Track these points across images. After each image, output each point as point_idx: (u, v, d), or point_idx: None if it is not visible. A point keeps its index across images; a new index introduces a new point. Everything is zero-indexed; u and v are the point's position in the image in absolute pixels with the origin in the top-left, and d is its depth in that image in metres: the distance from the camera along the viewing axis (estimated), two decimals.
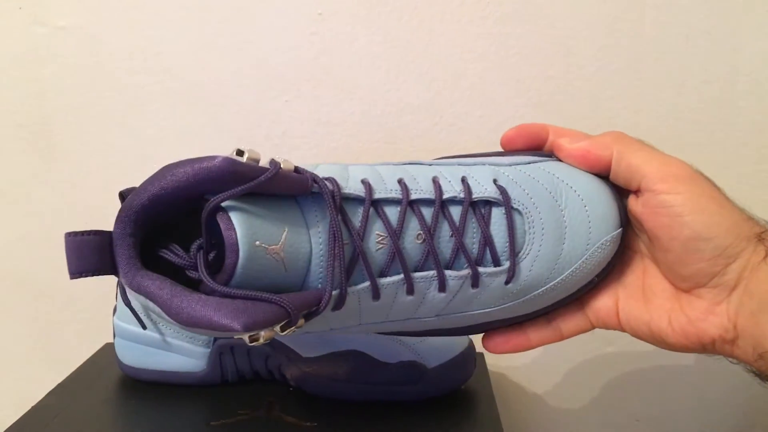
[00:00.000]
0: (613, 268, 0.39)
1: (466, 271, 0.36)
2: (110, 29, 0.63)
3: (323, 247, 0.32)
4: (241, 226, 0.30)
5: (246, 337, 0.29)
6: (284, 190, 0.32)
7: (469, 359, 0.51)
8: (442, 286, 0.35)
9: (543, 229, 0.37)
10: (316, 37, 0.62)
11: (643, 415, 0.68)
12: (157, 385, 0.52)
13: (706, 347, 0.35)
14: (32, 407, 0.48)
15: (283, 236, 0.31)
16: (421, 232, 0.35)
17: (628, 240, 0.39)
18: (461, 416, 0.48)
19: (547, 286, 0.37)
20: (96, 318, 0.68)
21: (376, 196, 0.35)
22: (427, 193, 0.36)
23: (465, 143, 0.63)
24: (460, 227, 0.36)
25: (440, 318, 0.37)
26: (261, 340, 0.29)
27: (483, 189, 0.37)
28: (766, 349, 0.33)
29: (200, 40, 0.63)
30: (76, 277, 0.30)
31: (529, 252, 0.37)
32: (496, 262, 0.36)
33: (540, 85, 0.62)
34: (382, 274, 0.35)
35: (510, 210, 0.36)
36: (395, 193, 0.35)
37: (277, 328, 0.30)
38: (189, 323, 0.28)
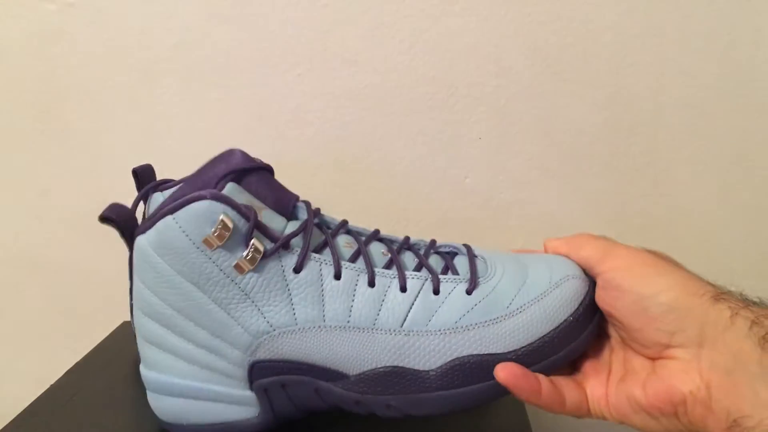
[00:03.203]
0: (587, 325, 0.39)
1: (426, 274, 0.39)
2: (119, 5, 0.62)
3: (296, 226, 0.39)
4: None
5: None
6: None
7: None
8: (403, 286, 0.38)
9: (504, 268, 0.40)
10: (327, 9, 0.61)
11: None
12: None
13: (677, 407, 0.34)
14: (51, 385, 0.49)
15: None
16: (386, 250, 0.40)
17: (607, 331, 0.40)
18: (486, 407, 0.48)
19: (514, 305, 0.38)
20: (113, 296, 0.67)
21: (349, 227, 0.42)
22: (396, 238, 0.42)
23: (480, 114, 0.62)
24: (425, 255, 0.41)
25: (405, 335, 0.38)
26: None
27: (449, 245, 0.42)
28: (743, 414, 0.31)
29: (210, 14, 0.62)
30: None
31: (493, 276, 0.39)
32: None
33: (558, 53, 0.61)
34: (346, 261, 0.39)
35: (473, 256, 0.41)
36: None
37: (231, 223, 0.36)
38: None
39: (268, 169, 0.42)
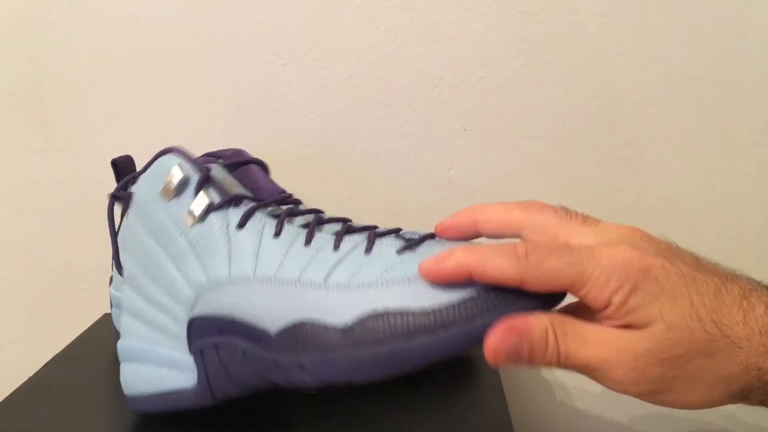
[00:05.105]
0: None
1: (364, 236, 0.38)
2: None
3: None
4: None
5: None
6: None
7: None
8: (337, 246, 0.38)
9: (459, 244, 0.38)
10: None
11: None
12: None
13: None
14: (30, 378, 0.48)
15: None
16: (342, 228, 0.39)
17: None
18: (464, 384, 0.48)
19: None
20: (93, 289, 0.67)
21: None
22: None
23: (465, 105, 0.62)
24: (371, 238, 0.38)
25: (325, 289, 0.36)
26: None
27: (415, 233, 0.40)
28: None
29: (193, 4, 0.61)
30: None
31: (438, 245, 0.37)
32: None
33: (543, 44, 0.60)
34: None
35: (429, 237, 0.38)
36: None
37: (182, 173, 0.38)
38: None
39: (261, 165, 0.45)
